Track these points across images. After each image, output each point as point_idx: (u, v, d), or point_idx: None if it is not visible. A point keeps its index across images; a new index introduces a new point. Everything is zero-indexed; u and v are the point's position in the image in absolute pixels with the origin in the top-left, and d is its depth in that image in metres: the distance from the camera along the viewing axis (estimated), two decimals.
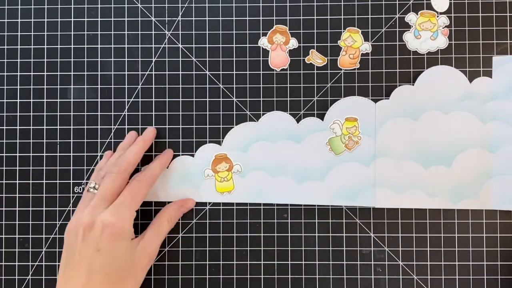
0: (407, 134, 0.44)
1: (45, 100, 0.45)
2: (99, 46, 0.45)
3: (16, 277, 0.45)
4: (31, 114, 0.45)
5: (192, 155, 0.45)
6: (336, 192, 0.44)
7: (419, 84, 0.44)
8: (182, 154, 0.45)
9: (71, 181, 0.45)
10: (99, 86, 0.45)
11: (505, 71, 0.44)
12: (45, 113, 0.45)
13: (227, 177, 0.44)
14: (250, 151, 0.44)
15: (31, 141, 0.45)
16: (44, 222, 0.45)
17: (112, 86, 0.45)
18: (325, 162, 0.44)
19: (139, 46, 0.45)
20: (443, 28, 0.45)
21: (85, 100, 0.45)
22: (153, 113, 0.45)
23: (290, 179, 0.44)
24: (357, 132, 0.44)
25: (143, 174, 0.41)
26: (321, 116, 0.44)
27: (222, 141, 0.45)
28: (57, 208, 0.45)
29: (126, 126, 0.45)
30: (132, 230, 0.39)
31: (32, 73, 0.45)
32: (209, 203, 0.45)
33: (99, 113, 0.45)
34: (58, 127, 0.45)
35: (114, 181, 0.39)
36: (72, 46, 0.45)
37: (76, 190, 0.45)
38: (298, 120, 0.45)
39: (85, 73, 0.45)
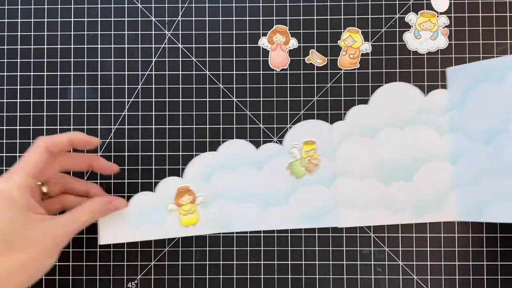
0: (365, 152, 0.44)
1: (45, 100, 0.45)
2: (99, 46, 0.45)
3: None
4: (31, 114, 0.45)
5: (153, 190, 0.44)
6: (300, 215, 0.44)
7: (373, 102, 0.44)
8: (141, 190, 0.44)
9: None
10: (99, 86, 0.45)
11: (459, 81, 0.44)
12: (45, 113, 0.45)
13: (191, 209, 0.44)
14: (212, 180, 0.44)
15: (31, 141, 0.45)
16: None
17: (112, 86, 0.45)
18: (287, 187, 0.44)
19: (139, 46, 0.45)
20: (443, 28, 0.45)
21: (85, 100, 0.45)
22: (153, 113, 0.45)
23: (255, 205, 0.44)
24: (316, 154, 0.44)
25: (44, 137, 0.38)
26: (281, 140, 0.44)
27: (183, 173, 0.44)
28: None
29: (126, 126, 0.45)
30: (23, 197, 0.35)
31: (32, 73, 0.45)
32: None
33: (99, 113, 0.45)
34: (58, 127, 0.45)
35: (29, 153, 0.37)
36: (72, 46, 0.45)
37: None
38: (257, 146, 0.45)
39: (85, 73, 0.45)
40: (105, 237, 0.42)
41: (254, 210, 0.44)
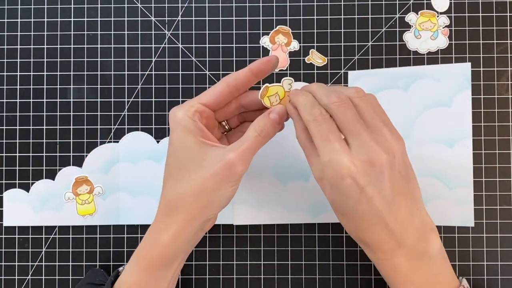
0: (264, 150, 0.43)
1: (45, 100, 0.45)
2: (99, 46, 0.45)
3: (16, 277, 0.45)
4: (31, 114, 0.45)
5: (53, 179, 0.45)
6: None
7: None
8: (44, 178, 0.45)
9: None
10: (99, 86, 0.45)
11: (361, 86, 0.43)
12: (45, 113, 0.45)
13: (88, 199, 0.44)
14: (111, 172, 0.44)
15: (31, 141, 0.45)
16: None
17: (112, 86, 0.45)
18: None
19: (139, 46, 0.45)
20: (443, 28, 0.45)
21: (85, 100, 0.45)
22: (153, 113, 0.45)
23: (152, 199, 0.44)
24: None
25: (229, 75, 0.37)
26: None
27: (83, 163, 0.45)
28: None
29: (126, 126, 0.45)
30: (192, 121, 0.34)
31: (32, 73, 0.45)
32: None
33: (99, 113, 0.45)
34: (58, 127, 0.45)
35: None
36: (72, 46, 0.45)
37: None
38: (158, 140, 0.45)
39: (85, 73, 0.45)
40: (10, 219, 0.44)
41: (151, 204, 0.44)
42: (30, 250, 0.45)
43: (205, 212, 0.35)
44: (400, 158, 0.33)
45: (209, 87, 0.45)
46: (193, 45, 0.45)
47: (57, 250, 0.45)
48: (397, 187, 0.33)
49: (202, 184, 0.33)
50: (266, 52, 0.45)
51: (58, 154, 0.45)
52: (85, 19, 0.45)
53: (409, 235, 0.33)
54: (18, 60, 0.45)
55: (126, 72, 0.45)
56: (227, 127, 0.40)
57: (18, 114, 0.45)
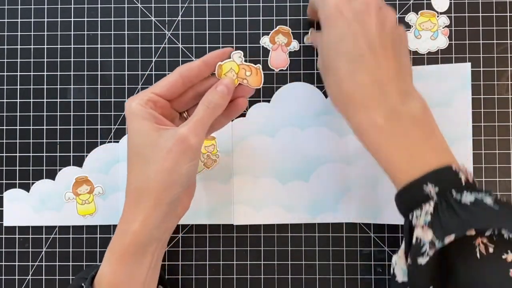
0: (264, 151, 0.44)
1: (45, 100, 0.45)
2: (99, 46, 0.45)
3: (16, 277, 0.45)
4: (31, 114, 0.45)
5: (53, 179, 0.45)
6: (196, 210, 0.44)
7: (275, 101, 0.44)
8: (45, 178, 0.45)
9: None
10: (99, 86, 0.45)
11: None
12: (45, 113, 0.45)
13: (88, 199, 0.44)
14: (111, 172, 0.44)
15: (31, 141, 0.45)
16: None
17: (112, 86, 0.45)
18: None
19: (139, 46, 0.45)
20: (443, 28, 0.45)
21: (85, 100, 0.45)
22: None
23: None
24: (215, 150, 0.44)
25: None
26: None
27: (83, 163, 0.45)
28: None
29: (126, 126, 0.45)
30: (144, 109, 0.35)
31: (32, 73, 0.45)
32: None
33: (99, 113, 0.45)
34: (58, 127, 0.45)
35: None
36: (72, 46, 0.45)
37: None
38: None
39: (85, 73, 0.45)
40: (10, 219, 0.45)
41: None
42: (30, 250, 0.45)
43: (169, 192, 0.35)
44: (393, 22, 0.37)
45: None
46: (193, 45, 0.45)
47: (57, 250, 0.45)
48: (385, 43, 0.36)
49: (160, 164, 0.34)
50: (266, 52, 0.45)
51: (58, 154, 0.45)
52: (85, 19, 0.45)
53: (392, 96, 0.35)
54: (18, 60, 0.45)
55: (126, 72, 0.45)
56: (185, 116, 0.39)
57: (18, 114, 0.45)
